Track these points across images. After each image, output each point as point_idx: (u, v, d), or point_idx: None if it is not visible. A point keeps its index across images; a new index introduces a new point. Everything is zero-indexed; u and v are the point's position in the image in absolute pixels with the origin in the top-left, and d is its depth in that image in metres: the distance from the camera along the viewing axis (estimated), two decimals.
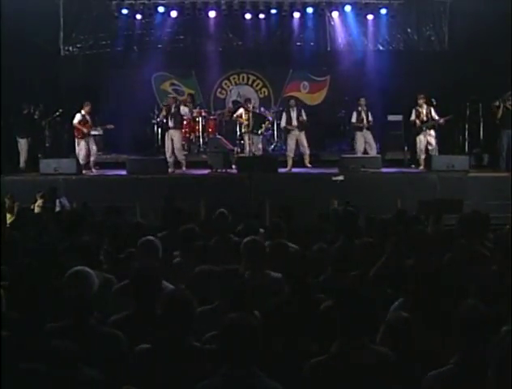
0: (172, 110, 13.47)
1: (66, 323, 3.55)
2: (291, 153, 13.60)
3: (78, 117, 13.27)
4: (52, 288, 4.12)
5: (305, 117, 13.62)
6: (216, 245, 5.56)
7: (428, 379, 3.08)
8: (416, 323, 3.57)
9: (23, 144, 13.69)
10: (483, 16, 13.32)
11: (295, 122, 13.53)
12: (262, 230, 6.50)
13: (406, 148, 14.42)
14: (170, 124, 13.44)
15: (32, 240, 5.98)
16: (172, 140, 13.43)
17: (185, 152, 14.71)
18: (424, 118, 13.33)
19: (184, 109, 13.90)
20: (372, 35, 16.11)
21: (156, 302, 3.77)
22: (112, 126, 13.91)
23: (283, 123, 13.81)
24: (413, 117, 13.42)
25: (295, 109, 13.69)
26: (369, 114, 13.86)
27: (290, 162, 13.56)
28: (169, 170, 13.20)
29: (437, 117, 13.27)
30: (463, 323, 3.11)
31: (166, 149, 13.52)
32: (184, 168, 13.46)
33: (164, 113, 13.62)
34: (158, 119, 14.39)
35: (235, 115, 14.15)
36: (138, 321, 3.70)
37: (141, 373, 3.32)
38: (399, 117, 14.97)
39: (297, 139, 13.55)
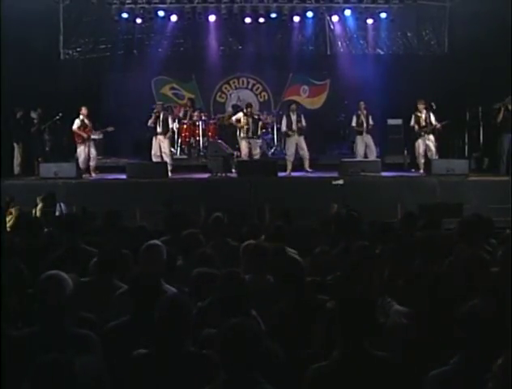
0: (161, 117, 13.51)
1: (38, 328, 3.57)
2: (291, 157, 13.58)
3: (77, 122, 13.32)
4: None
5: (304, 123, 13.61)
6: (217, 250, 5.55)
7: (429, 379, 3.09)
8: (419, 327, 3.57)
9: (16, 149, 13.75)
10: (482, 20, 13.33)
11: (295, 126, 13.53)
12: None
13: (406, 152, 14.44)
14: (158, 130, 13.48)
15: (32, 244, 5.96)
16: (160, 145, 13.50)
17: (185, 156, 14.78)
18: (423, 123, 13.36)
19: (172, 123, 13.94)
20: (371, 39, 16.16)
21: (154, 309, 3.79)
22: (112, 129, 13.89)
23: (283, 127, 13.77)
24: (412, 122, 13.47)
25: (295, 113, 13.68)
26: (370, 118, 13.87)
27: (290, 166, 13.55)
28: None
29: (434, 123, 13.31)
30: (465, 323, 3.11)
31: (153, 153, 13.54)
32: (170, 174, 13.30)
33: (153, 119, 13.53)
34: (148, 124, 14.15)
35: (233, 118, 14.13)
36: (136, 327, 3.70)
37: (138, 378, 3.31)
38: (399, 121, 14.99)
39: (297, 143, 13.55)
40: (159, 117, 13.50)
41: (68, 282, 3.71)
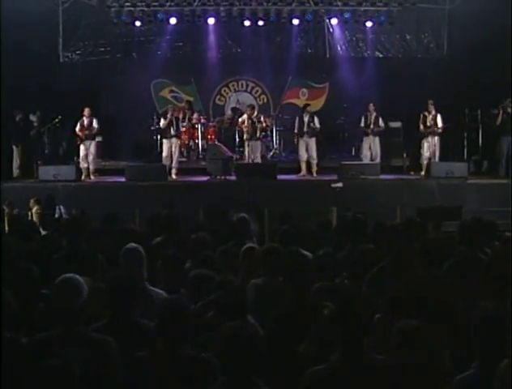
0: (174, 120, 13.56)
1: (55, 332, 3.54)
2: (303, 158, 13.59)
3: (79, 123, 13.43)
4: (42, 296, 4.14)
5: (317, 125, 13.55)
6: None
7: (454, 385, 3.06)
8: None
9: (15, 151, 13.76)
10: (481, 23, 13.34)
11: (306, 128, 13.49)
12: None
13: (405, 155, 14.43)
14: (172, 133, 13.51)
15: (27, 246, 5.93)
16: (171, 148, 13.50)
17: (184, 159, 14.79)
18: (428, 124, 13.37)
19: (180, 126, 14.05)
20: (371, 42, 16.17)
21: (133, 310, 3.78)
22: (99, 139, 13.93)
23: (296, 129, 13.73)
24: (421, 121, 13.49)
25: (308, 114, 13.64)
26: (380, 120, 13.87)
27: (304, 167, 13.55)
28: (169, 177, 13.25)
29: (440, 125, 13.31)
30: (482, 325, 3.09)
31: (164, 156, 13.56)
32: (174, 176, 13.41)
33: (167, 121, 13.52)
34: (157, 126, 14.24)
35: (240, 120, 14.12)
36: (113, 330, 3.66)
37: (137, 381, 3.30)
38: (399, 124, 14.98)
39: (307, 145, 13.54)
40: (172, 120, 13.54)
41: (84, 286, 3.67)
